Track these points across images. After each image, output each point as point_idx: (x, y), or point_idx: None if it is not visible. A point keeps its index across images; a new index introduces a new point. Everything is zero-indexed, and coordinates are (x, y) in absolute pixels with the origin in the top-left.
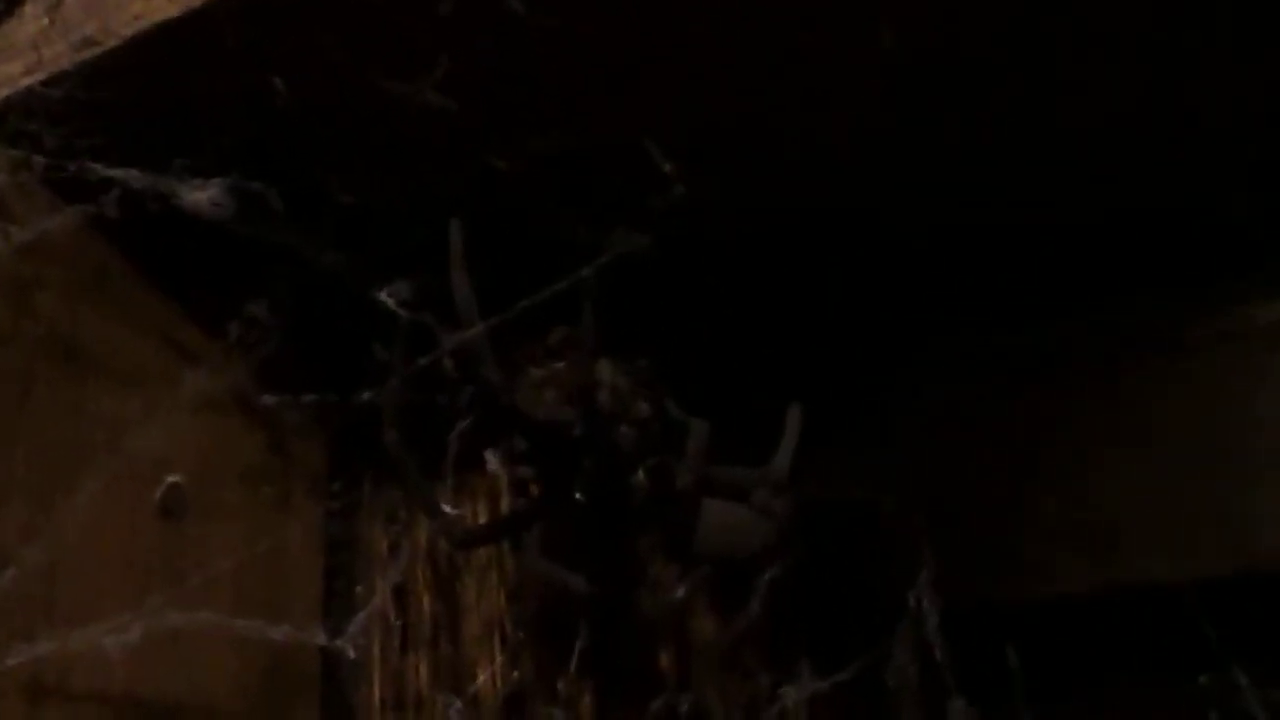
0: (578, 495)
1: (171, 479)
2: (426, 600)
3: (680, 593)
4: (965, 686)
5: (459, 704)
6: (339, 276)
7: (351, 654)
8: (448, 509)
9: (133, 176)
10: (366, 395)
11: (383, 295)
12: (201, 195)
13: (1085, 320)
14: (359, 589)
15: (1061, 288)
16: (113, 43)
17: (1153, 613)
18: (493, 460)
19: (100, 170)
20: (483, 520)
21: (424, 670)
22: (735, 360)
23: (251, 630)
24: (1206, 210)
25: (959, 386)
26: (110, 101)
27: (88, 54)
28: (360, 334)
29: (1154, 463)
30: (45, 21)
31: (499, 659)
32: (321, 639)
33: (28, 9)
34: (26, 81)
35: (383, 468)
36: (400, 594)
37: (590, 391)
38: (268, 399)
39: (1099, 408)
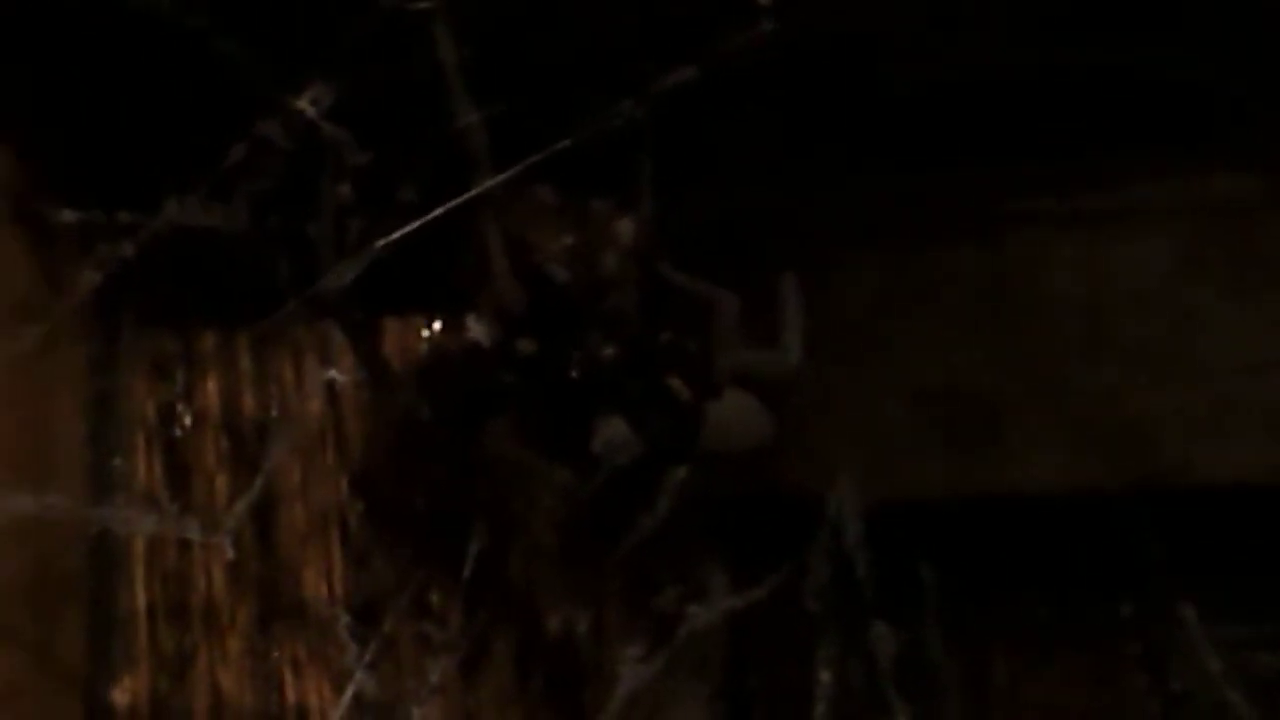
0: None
1: None
2: (221, 481)
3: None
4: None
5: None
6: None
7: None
8: None
9: None
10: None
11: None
12: None
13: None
14: (117, 461)
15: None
16: None
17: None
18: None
19: None
20: None
21: (217, 573)
22: None
23: (17, 508)
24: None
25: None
26: None
27: None
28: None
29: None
30: None
31: (338, 564)
32: (92, 524)
33: None
34: None
35: (148, 304)
36: (180, 470)
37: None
38: (68, 214)
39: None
